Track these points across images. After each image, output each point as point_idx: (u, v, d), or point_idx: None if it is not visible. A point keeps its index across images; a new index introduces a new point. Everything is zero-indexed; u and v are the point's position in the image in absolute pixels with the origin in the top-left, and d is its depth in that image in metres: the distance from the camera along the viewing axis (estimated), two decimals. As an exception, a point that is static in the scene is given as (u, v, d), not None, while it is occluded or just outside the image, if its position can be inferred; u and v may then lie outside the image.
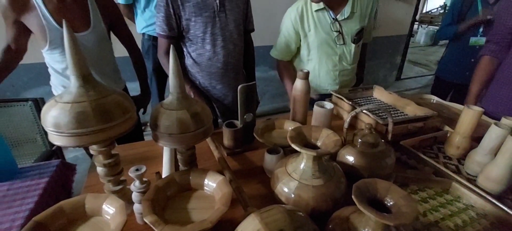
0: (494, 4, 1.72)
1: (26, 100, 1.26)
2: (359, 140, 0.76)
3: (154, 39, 1.91)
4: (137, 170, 0.59)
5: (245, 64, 1.40)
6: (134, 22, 1.98)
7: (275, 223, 0.44)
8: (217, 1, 1.12)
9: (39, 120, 1.27)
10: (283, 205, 0.52)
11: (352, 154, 0.76)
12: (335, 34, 1.27)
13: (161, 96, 2.08)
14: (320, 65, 1.34)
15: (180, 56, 1.25)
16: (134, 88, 1.44)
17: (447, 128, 1.04)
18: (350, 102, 1.12)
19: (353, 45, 1.31)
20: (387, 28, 3.62)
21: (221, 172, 0.68)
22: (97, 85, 0.56)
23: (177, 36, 1.17)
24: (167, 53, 1.13)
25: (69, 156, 2.25)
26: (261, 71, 2.99)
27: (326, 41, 1.28)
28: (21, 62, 1.14)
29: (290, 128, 0.97)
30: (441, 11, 8.40)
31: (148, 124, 0.73)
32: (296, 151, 0.61)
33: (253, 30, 1.36)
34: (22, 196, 0.76)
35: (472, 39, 1.82)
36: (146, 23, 1.91)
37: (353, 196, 0.47)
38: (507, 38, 1.18)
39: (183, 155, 0.70)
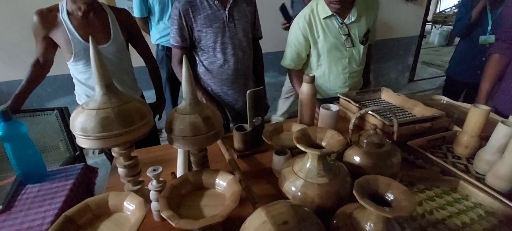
0: None
1: (53, 109, 1.35)
2: (365, 141, 0.78)
3: (167, 49, 2.00)
4: (154, 170, 0.65)
5: (255, 70, 1.45)
6: (149, 34, 2.07)
7: (280, 216, 0.48)
8: (226, 13, 1.19)
9: (64, 127, 1.36)
10: (288, 200, 0.55)
11: (358, 154, 0.77)
12: (344, 37, 1.28)
13: (175, 103, 2.16)
14: (330, 69, 1.35)
15: (193, 65, 1.31)
16: (149, 96, 1.52)
17: (456, 128, 1.04)
18: (357, 105, 1.14)
19: (361, 46, 1.33)
20: (397, 30, 3.58)
21: (231, 173, 0.71)
22: (119, 93, 0.62)
23: (189, 46, 1.24)
24: (181, 62, 1.19)
25: (89, 162, 2.36)
26: (270, 77, 3.02)
27: (335, 45, 1.29)
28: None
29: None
30: (455, 11, 8.18)
31: (164, 129, 0.78)
32: (303, 152, 0.64)
33: (261, 37, 1.40)
34: (51, 196, 0.83)
35: (482, 38, 1.79)
36: (160, 34, 2.00)
37: (354, 191, 0.50)
38: None
39: (195, 156, 0.75)
